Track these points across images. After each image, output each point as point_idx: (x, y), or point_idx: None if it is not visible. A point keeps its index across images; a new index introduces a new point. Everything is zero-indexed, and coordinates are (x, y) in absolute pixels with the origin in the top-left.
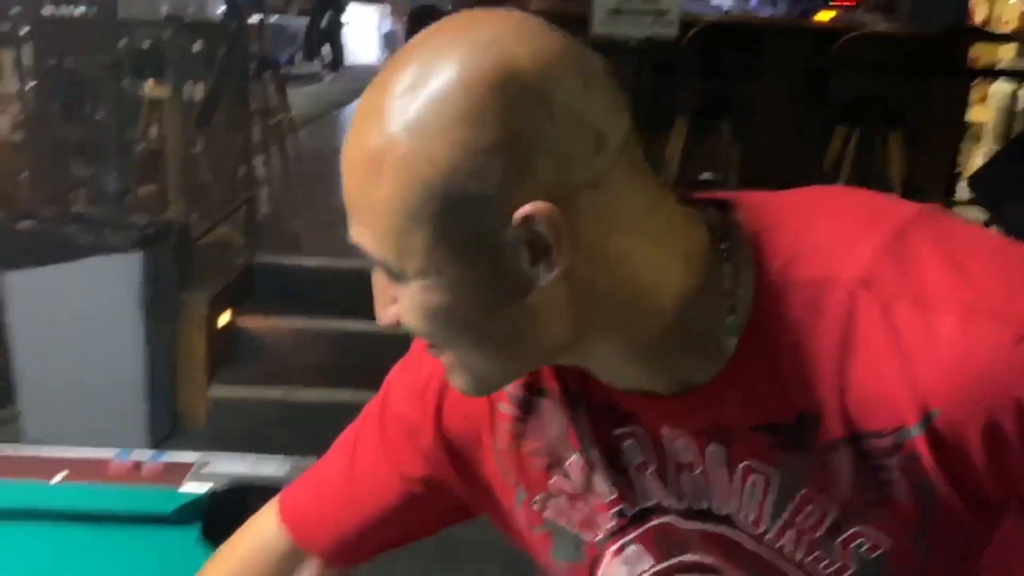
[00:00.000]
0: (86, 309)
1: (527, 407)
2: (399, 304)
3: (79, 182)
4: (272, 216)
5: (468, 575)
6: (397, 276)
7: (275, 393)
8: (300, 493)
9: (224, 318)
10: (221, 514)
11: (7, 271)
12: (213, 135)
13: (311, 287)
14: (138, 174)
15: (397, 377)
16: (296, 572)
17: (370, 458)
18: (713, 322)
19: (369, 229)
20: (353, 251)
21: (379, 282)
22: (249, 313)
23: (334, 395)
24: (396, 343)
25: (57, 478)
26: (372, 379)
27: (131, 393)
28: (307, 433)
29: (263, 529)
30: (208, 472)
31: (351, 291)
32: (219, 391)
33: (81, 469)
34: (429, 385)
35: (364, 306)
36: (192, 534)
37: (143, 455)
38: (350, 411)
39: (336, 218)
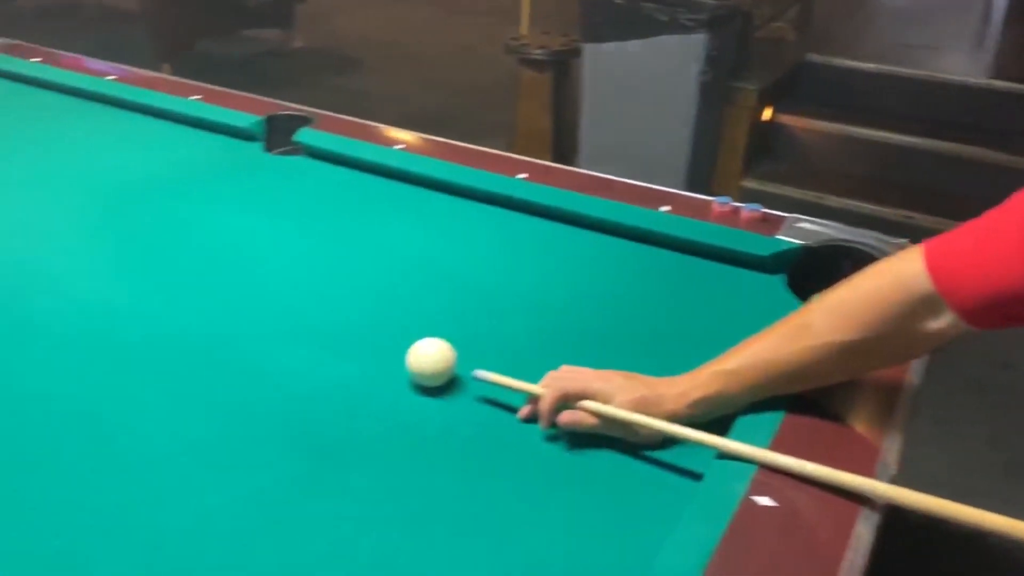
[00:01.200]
0: (648, 83)
1: None
2: None
3: None
4: (826, 16)
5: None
6: None
7: (804, 196)
8: (953, 245)
9: (767, 112)
10: (812, 268)
11: (590, 42)
12: None
13: (858, 93)
14: None
15: None
16: (927, 318)
17: None
18: None
19: None
20: (908, 59)
21: None
22: (791, 111)
23: (865, 208)
24: (936, 162)
25: (663, 209)
26: (910, 198)
27: (675, 166)
28: None
29: (905, 268)
30: (800, 228)
31: (901, 101)
32: (751, 183)
33: (685, 205)
34: None
35: (913, 118)
36: (778, 282)
37: (739, 204)
38: (881, 226)
39: (893, 23)
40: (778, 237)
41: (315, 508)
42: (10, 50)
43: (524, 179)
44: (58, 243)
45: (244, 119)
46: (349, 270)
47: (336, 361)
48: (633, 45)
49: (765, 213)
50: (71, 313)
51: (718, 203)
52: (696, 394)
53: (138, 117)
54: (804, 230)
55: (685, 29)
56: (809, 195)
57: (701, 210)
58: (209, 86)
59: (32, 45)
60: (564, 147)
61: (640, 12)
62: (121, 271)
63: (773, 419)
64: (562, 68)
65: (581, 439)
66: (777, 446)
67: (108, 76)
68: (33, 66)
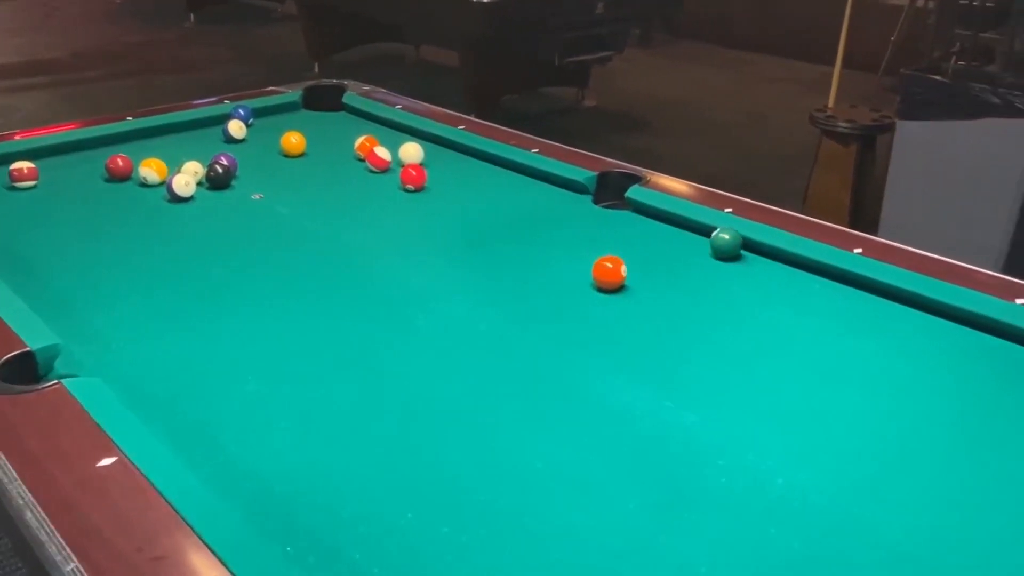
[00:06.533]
0: (967, 165)
1: None
2: None
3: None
4: None
5: None
6: None
7: None
8: None
9: None
10: None
11: (907, 120)
12: None
13: None
14: None
15: None
16: None
17: None
18: None
19: None
20: None
21: None
22: None
23: None
24: None
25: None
26: None
27: (988, 248)
28: None
29: None
30: None
31: None
32: None
33: None
34: None
35: None
36: None
37: None
38: None
39: None
40: None
41: (668, 541)
42: (367, 94)
43: (859, 254)
44: (430, 269)
45: (580, 173)
46: (679, 323)
47: (677, 409)
48: (956, 126)
49: None
50: (441, 327)
51: None
52: None
53: (482, 164)
54: None
55: (1018, 113)
56: None
57: None
58: (545, 140)
59: (390, 92)
60: (862, 221)
61: (969, 93)
62: (478, 297)
63: None
64: (868, 142)
65: None
66: None
67: (459, 126)
68: (397, 112)
